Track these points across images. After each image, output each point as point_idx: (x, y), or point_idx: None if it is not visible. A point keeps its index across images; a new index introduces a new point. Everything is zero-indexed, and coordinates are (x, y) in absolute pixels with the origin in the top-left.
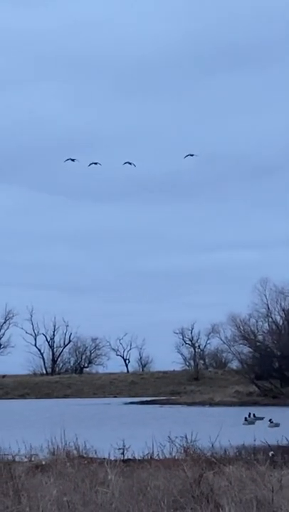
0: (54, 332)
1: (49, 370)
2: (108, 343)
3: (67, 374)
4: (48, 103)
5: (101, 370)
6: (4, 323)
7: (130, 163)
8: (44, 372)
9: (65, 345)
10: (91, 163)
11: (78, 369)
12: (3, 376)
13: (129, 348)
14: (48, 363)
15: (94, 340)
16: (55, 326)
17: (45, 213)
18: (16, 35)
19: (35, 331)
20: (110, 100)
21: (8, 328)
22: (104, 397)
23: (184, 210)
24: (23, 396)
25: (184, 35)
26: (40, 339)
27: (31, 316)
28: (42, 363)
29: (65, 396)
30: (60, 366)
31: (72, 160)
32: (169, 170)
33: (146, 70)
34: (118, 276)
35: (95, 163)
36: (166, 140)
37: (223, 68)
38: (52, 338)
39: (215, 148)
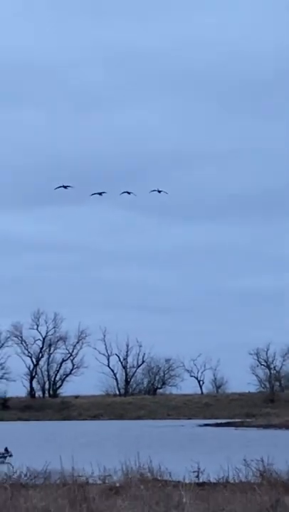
0: (127, 352)
1: (122, 391)
2: (182, 364)
3: (141, 395)
4: (150, 121)
5: (175, 391)
6: (77, 343)
7: (159, 191)
8: (117, 393)
9: (139, 366)
10: (123, 192)
11: (152, 390)
12: (77, 397)
13: (203, 369)
14: (121, 384)
15: (167, 361)
16: (128, 346)
17: (132, 232)
18: (121, 52)
19: (109, 351)
20: (215, 118)
21: (81, 348)
22: (178, 418)
23: (279, 229)
24: (96, 417)
25: None
26: (114, 360)
27: (104, 336)
28: (115, 384)
29: (138, 417)
30: (134, 387)
31: (65, 187)
32: (270, 187)
33: (253, 88)
34: (194, 295)
35: (128, 193)
36: (269, 158)
37: None
38: (125, 359)
39: None
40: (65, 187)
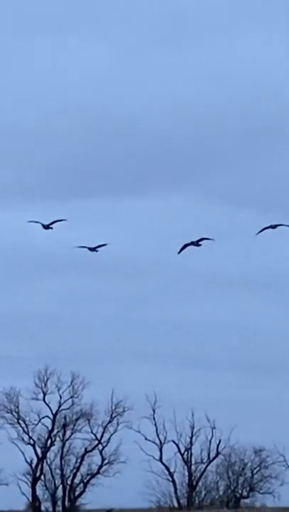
0: (192, 438)
1: (184, 501)
2: (282, 458)
3: (214, 508)
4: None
5: (270, 502)
6: (109, 422)
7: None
8: (175, 505)
9: (211, 461)
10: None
11: (232, 500)
12: (109, 511)
13: None
14: (182, 490)
15: (258, 452)
16: (193, 429)
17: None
18: None
19: (161, 436)
20: None
21: (116, 431)
22: None
23: None
24: None
25: None
26: (169, 450)
27: (154, 411)
28: (172, 490)
29: None
30: (202, 495)
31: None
32: None
33: None
34: None
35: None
36: None
37: None
38: (188, 449)
39: None
40: (45, 227)
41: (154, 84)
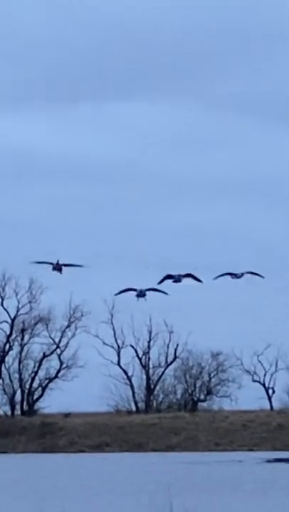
0: (150, 343)
1: (141, 405)
2: (239, 362)
3: (172, 412)
4: None
5: (227, 405)
6: (68, 327)
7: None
8: (133, 408)
9: (168, 365)
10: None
11: (190, 404)
12: (67, 415)
13: (274, 369)
14: (140, 394)
15: (215, 356)
16: (151, 333)
17: (219, 146)
18: None
19: (119, 341)
20: None
21: (74, 335)
22: (233, 450)
23: None
24: (99, 448)
25: None
26: (127, 354)
27: (112, 315)
28: (130, 394)
29: (169, 448)
30: (160, 399)
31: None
32: None
33: None
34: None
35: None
36: None
37: None
38: (146, 353)
39: None
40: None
41: None
